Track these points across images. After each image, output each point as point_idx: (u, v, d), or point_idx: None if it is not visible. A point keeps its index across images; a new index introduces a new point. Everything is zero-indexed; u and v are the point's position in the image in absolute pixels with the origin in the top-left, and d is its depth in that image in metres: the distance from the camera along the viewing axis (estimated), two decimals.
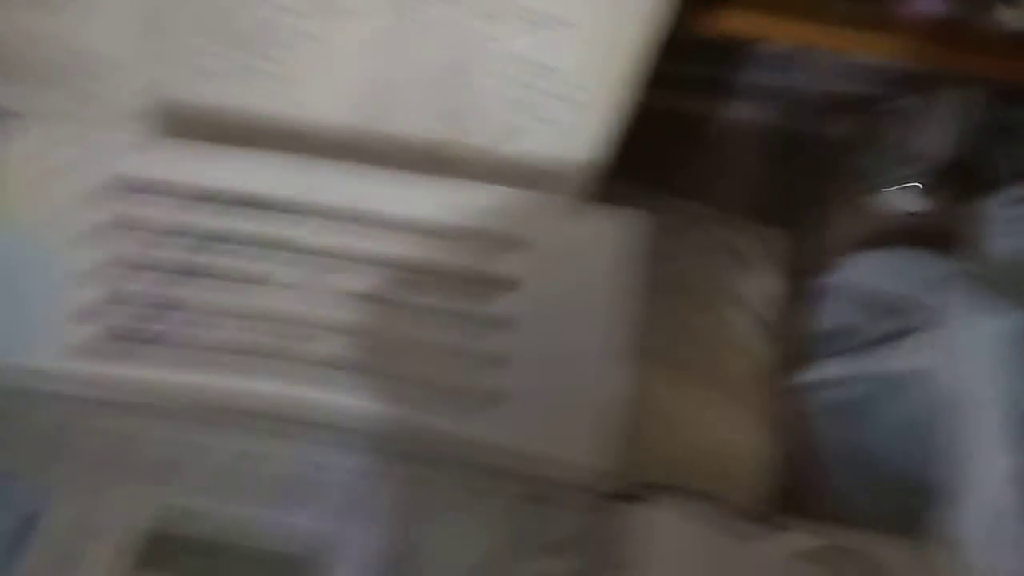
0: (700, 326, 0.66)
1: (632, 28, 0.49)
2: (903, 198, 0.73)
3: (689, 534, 0.46)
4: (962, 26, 0.55)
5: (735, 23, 0.59)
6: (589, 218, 0.45)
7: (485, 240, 0.45)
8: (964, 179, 0.71)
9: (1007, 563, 0.43)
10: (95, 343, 0.48)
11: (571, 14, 0.49)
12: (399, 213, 0.46)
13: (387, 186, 0.46)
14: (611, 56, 0.50)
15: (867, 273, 0.63)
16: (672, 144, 0.79)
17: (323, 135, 0.55)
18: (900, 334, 0.56)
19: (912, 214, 0.73)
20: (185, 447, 0.47)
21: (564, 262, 0.45)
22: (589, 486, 0.47)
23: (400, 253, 0.47)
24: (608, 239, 0.44)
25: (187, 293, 0.48)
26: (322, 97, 0.52)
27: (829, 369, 0.59)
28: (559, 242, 0.44)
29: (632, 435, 0.56)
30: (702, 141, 0.78)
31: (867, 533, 0.52)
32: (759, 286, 0.68)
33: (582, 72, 0.50)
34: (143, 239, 0.49)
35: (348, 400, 0.48)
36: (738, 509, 0.46)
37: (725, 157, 0.78)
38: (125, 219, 0.48)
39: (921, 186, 0.72)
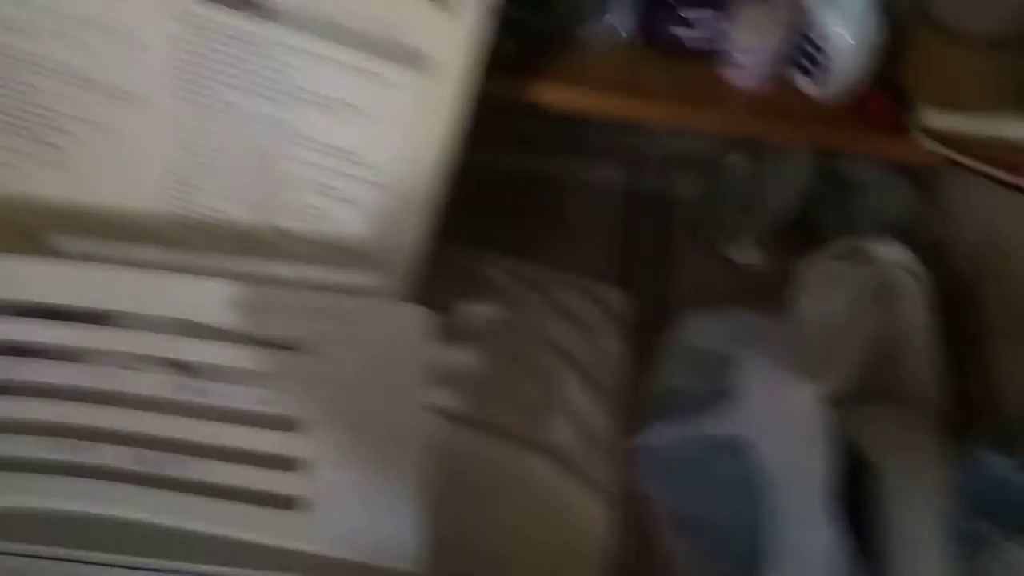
0: (536, 396, 0.65)
1: (430, 112, 0.49)
2: (741, 253, 0.75)
3: None
4: (779, 97, 0.57)
5: (560, 96, 0.60)
6: (369, 315, 0.44)
7: (266, 341, 0.44)
8: (798, 233, 0.74)
9: None
10: None
11: (363, 100, 0.49)
12: (184, 316, 0.44)
13: (172, 289, 0.44)
14: (409, 139, 0.49)
15: (700, 333, 0.63)
16: (514, 206, 0.79)
17: (128, 223, 0.53)
18: (726, 396, 0.56)
19: (749, 268, 0.75)
20: None
21: (346, 363, 0.43)
22: None
23: (187, 357, 0.45)
24: (389, 336, 0.43)
25: None
26: (119, 185, 0.50)
27: (661, 432, 0.59)
28: (340, 342, 0.43)
29: (459, 517, 0.56)
30: (546, 202, 0.79)
31: None
32: (597, 349, 0.69)
33: (380, 155, 0.49)
34: None
35: (146, 509, 0.46)
36: None
37: (568, 218, 0.78)
38: None
39: (758, 241, 0.75)
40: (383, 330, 0.44)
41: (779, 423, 0.48)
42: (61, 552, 0.45)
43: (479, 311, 0.70)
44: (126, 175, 0.51)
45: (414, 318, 0.43)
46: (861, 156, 0.68)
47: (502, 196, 0.76)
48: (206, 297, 0.44)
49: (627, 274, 0.74)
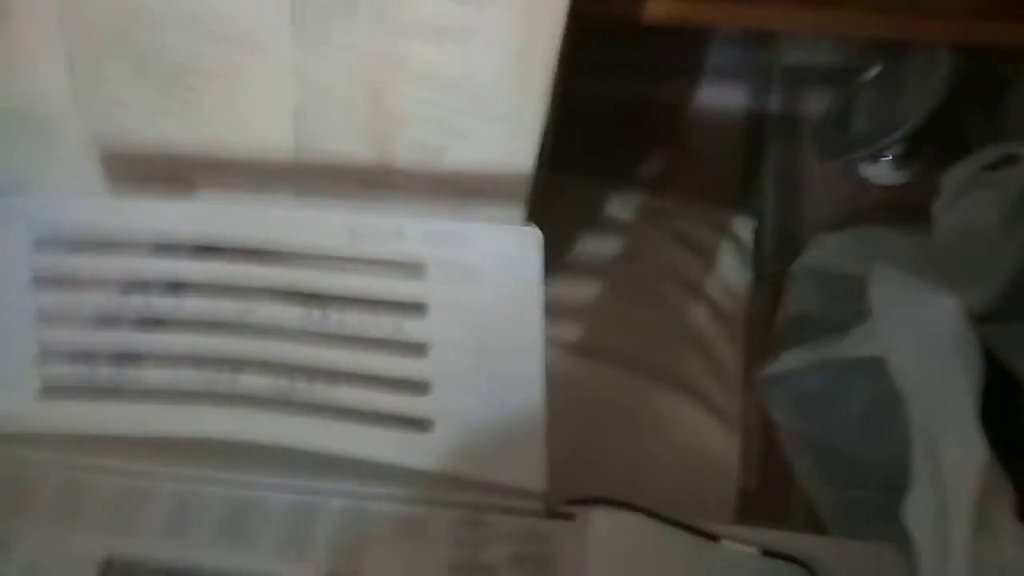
0: (661, 327, 0.64)
1: (535, 32, 0.48)
2: (877, 171, 0.70)
3: (624, 544, 0.45)
4: None
5: (670, 8, 0.57)
6: (486, 239, 0.44)
7: (390, 267, 0.45)
8: (941, 146, 0.68)
9: (956, 569, 0.41)
10: (45, 389, 0.50)
11: (475, 26, 0.48)
12: (310, 244, 0.46)
13: (295, 219, 0.46)
14: (517, 64, 0.49)
15: (831, 256, 0.61)
16: (635, 134, 0.77)
17: (255, 167, 0.55)
18: (858, 320, 0.53)
19: (887, 187, 0.70)
20: (131, 493, 0.49)
21: (466, 285, 0.44)
22: (524, 507, 0.46)
23: (314, 284, 0.47)
24: (505, 259, 0.43)
25: (121, 338, 0.49)
26: (242, 129, 0.52)
27: (790, 361, 0.56)
28: (459, 266, 0.44)
29: (585, 446, 0.56)
30: (665, 129, 0.76)
31: (824, 531, 0.51)
32: (722, 278, 0.66)
33: (489, 83, 0.49)
34: (78, 288, 0.50)
35: (281, 435, 0.49)
36: (673, 519, 0.45)
37: (689, 144, 0.76)
38: (58, 272, 0.50)
39: (895, 158, 0.70)
40: (502, 254, 0.44)
41: (918, 338, 0.45)
42: (216, 475, 0.49)
43: (601, 244, 0.70)
44: (248, 120, 0.53)
45: (533, 241, 0.43)
46: (1011, 51, 0.61)
47: (620, 126, 0.74)
48: (333, 228, 0.45)
49: (754, 200, 0.71)
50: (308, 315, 0.47)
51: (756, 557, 0.44)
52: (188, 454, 0.50)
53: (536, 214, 0.60)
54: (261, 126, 0.53)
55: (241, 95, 0.53)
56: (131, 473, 0.49)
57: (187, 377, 0.49)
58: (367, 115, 0.52)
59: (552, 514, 0.46)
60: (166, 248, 0.48)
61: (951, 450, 0.42)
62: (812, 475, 0.53)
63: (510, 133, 0.51)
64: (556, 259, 0.69)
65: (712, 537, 0.44)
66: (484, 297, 0.44)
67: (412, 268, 0.45)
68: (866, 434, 0.51)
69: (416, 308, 0.45)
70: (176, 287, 0.49)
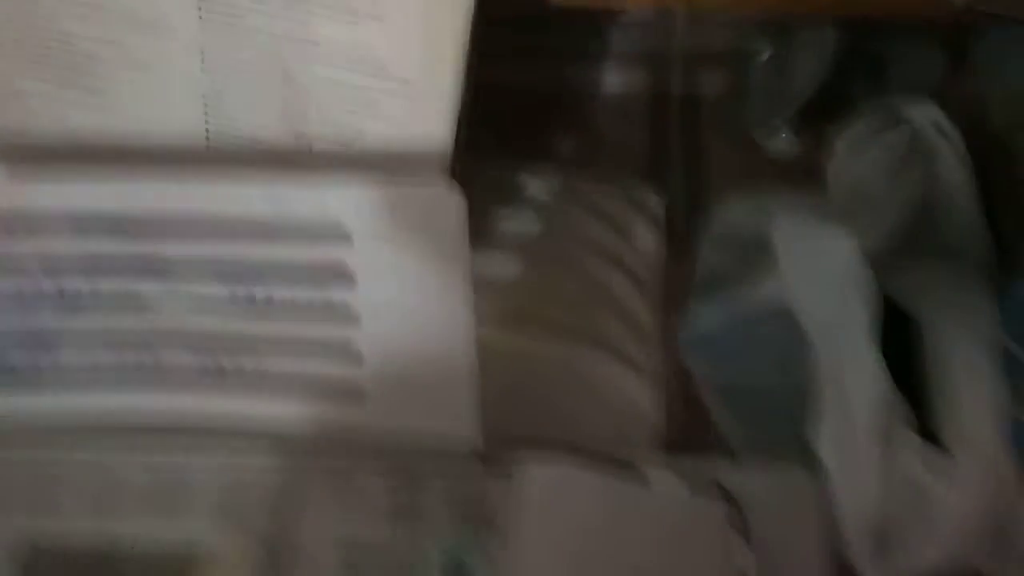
0: (582, 295, 0.66)
1: (450, 14, 0.50)
2: (774, 144, 0.75)
3: (557, 491, 0.46)
4: None
5: None
6: (408, 202, 0.45)
7: (317, 235, 0.46)
8: (831, 115, 0.73)
9: (865, 484, 0.44)
10: None
11: (386, 6, 0.50)
12: (237, 214, 0.47)
13: (213, 190, 0.46)
14: (433, 44, 0.50)
15: (735, 220, 0.64)
16: (548, 118, 0.80)
17: (168, 154, 0.55)
18: (762, 274, 0.57)
19: (784, 158, 0.74)
20: (59, 469, 0.48)
21: (391, 247, 0.45)
22: (458, 457, 0.48)
23: (242, 254, 0.47)
24: (428, 218, 0.45)
25: (35, 322, 0.48)
26: (150, 114, 0.52)
27: (702, 316, 0.59)
28: (385, 230, 0.45)
29: (512, 404, 0.58)
30: (576, 112, 0.79)
31: (741, 466, 0.53)
32: (636, 248, 0.69)
33: (401, 61, 0.50)
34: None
35: (212, 404, 0.49)
36: (607, 459, 0.47)
37: (600, 125, 0.79)
38: None
39: (790, 130, 0.74)
40: (425, 215, 0.45)
41: (817, 275, 0.48)
42: (140, 449, 0.49)
43: (521, 222, 0.72)
44: (158, 106, 0.53)
45: (454, 200, 0.44)
46: (890, 22, 0.66)
47: (534, 110, 0.77)
48: (252, 198, 0.46)
49: (663, 175, 0.74)
50: (232, 290, 0.48)
51: (679, 490, 0.46)
52: (111, 429, 0.49)
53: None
54: (172, 112, 0.53)
55: (150, 82, 0.52)
56: (51, 452, 0.49)
57: (101, 358, 0.49)
58: (280, 97, 0.53)
59: (484, 460, 0.48)
60: (79, 226, 0.48)
61: (853, 377, 0.45)
62: (728, 419, 0.56)
63: (424, 112, 0.53)
64: (478, 238, 0.70)
65: (639, 475, 0.47)
66: (409, 258, 0.45)
67: (333, 233, 0.46)
68: (778, 377, 0.54)
69: (342, 276, 0.46)
70: (90, 266, 0.49)
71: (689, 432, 0.57)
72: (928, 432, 0.47)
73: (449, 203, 0.45)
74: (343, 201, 0.46)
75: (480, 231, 0.73)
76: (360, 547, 0.45)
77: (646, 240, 0.71)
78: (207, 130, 0.53)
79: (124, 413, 0.49)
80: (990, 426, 0.43)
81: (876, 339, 0.47)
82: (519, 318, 0.65)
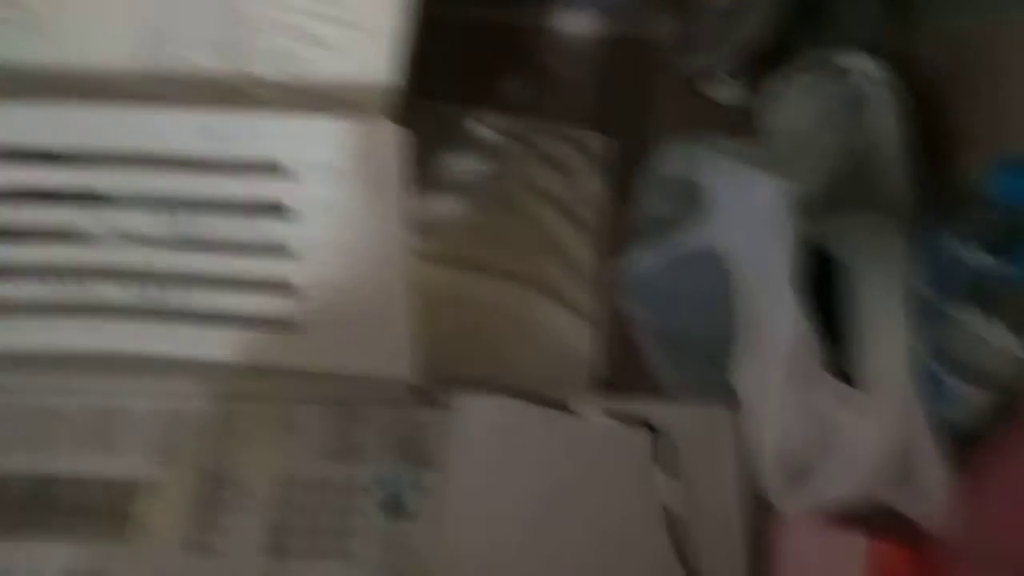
0: (524, 236, 0.67)
1: None
2: (718, 89, 0.75)
3: (490, 424, 0.48)
4: None
5: None
6: (344, 136, 0.45)
7: (254, 169, 0.45)
8: (775, 64, 0.74)
9: (779, 420, 0.46)
10: None
11: None
12: (172, 147, 0.46)
13: (148, 121, 0.46)
14: None
15: (675, 162, 0.65)
16: (495, 59, 0.80)
17: (106, 82, 0.54)
18: (698, 218, 0.58)
19: (728, 102, 0.75)
20: None
21: (327, 184, 0.45)
22: (394, 393, 0.49)
23: (176, 189, 0.47)
24: (364, 154, 0.45)
25: None
26: (90, 42, 0.51)
27: (638, 258, 0.61)
28: (317, 164, 0.45)
29: (453, 343, 0.59)
30: (524, 54, 0.79)
31: (669, 403, 0.55)
32: (580, 191, 0.70)
33: None
34: None
35: (147, 336, 0.49)
36: (540, 395, 0.49)
37: (545, 68, 0.79)
38: None
39: (733, 76, 0.75)
40: (361, 150, 0.45)
41: (745, 220, 0.50)
42: (77, 383, 0.49)
43: (467, 163, 0.72)
44: (97, 35, 0.51)
45: (390, 136, 0.44)
46: None
47: (481, 51, 0.76)
48: (186, 129, 0.45)
49: (607, 119, 0.75)
50: (166, 221, 0.47)
51: (606, 424, 0.48)
52: (46, 364, 0.49)
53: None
54: (113, 44, 0.52)
55: (90, 12, 0.51)
56: None
57: (35, 290, 0.49)
58: (221, 25, 0.52)
59: (420, 400, 0.49)
60: (11, 155, 0.47)
61: (773, 316, 0.47)
62: (662, 359, 0.57)
63: (368, 43, 0.52)
64: (423, 177, 0.70)
65: (566, 409, 0.48)
66: (345, 194, 0.45)
67: (269, 168, 0.46)
68: (707, 319, 0.55)
69: (276, 209, 0.46)
70: (22, 196, 0.48)
71: (624, 372, 0.59)
72: (846, 371, 0.49)
73: (388, 141, 0.45)
74: (280, 136, 0.45)
75: (426, 172, 0.74)
76: (297, 483, 0.46)
77: (590, 183, 0.72)
78: (146, 64, 0.53)
79: (57, 344, 0.49)
80: (900, 366, 0.46)
81: (797, 283, 0.48)
82: (463, 259, 0.66)
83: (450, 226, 0.67)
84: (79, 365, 0.49)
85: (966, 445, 0.46)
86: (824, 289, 0.54)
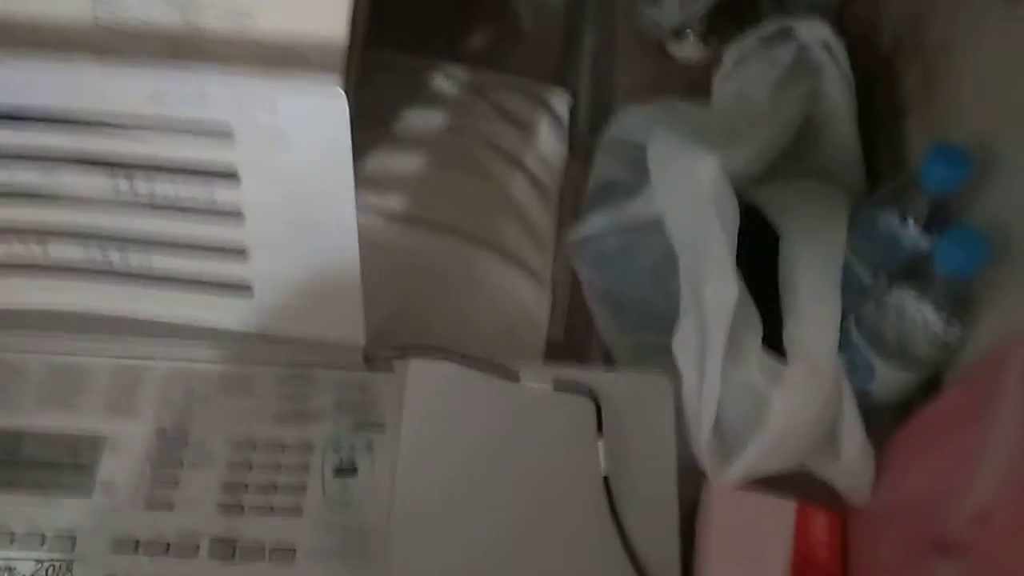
0: (481, 196, 0.68)
1: None
2: (682, 49, 0.75)
3: (436, 388, 0.50)
4: None
5: None
6: (293, 102, 0.45)
7: (204, 133, 0.46)
8: (738, 25, 0.74)
9: (710, 389, 0.48)
10: None
11: None
12: (110, 109, 0.46)
13: (94, 82, 0.45)
14: None
15: (633, 127, 0.65)
16: (458, 12, 0.79)
17: (53, 34, 0.53)
18: (648, 183, 0.59)
19: (690, 62, 0.75)
20: None
21: (275, 149, 0.45)
22: (347, 359, 0.50)
23: (128, 152, 0.47)
24: (313, 121, 0.45)
25: None
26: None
27: (592, 223, 0.62)
28: (266, 129, 0.45)
29: (407, 303, 0.60)
30: (487, 7, 0.78)
31: (609, 369, 0.57)
32: (539, 149, 0.71)
33: None
34: None
35: (101, 296, 0.50)
36: (478, 361, 0.50)
37: (511, 21, 0.78)
38: None
39: (697, 36, 0.75)
40: (309, 116, 0.45)
41: (685, 194, 0.51)
42: (37, 341, 0.50)
43: (425, 117, 0.72)
44: None
45: (339, 103, 0.44)
46: None
47: (441, 2, 0.76)
48: (133, 91, 0.45)
49: (570, 76, 0.75)
50: (115, 184, 0.48)
51: (550, 391, 0.50)
52: (9, 322, 0.50)
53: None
54: None
55: None
56: None
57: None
58: None
59: (372, 365, 0.50)
60: None
61: (710, 290, 0.49)
62: (609, 324, 0.59)
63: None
64: (381, 132, 0.71)
65: (513, 376, 0.50)
66: (294, 160, 0.46)
67: (219, 132, 0.46)
68: (653, 286, 0.57)
69: (227, 174, 0.47)
70: None
71: (577, 335, 0.61)
72: (783, 343, 0.51)
73: (337, 105, 0.45)
74: (230, 100, 0.45)
75: (384, 125, 0.74)
76: (254, 444, 0.48)
77: (549, 140, 0.72)
78: (95, 15, 0.52)
79: (19, 302, 0.50)
80: (824, 337, 0.48)
81: (732, 255, 0.50)
82: (419, 217, 0.67)
83: (410, 183, 0.68)
84: (42, 324, 0.50)
85: (891, 420, 0.49)
86: (769, 258, 0.56)
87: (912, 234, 0.48)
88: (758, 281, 0.54)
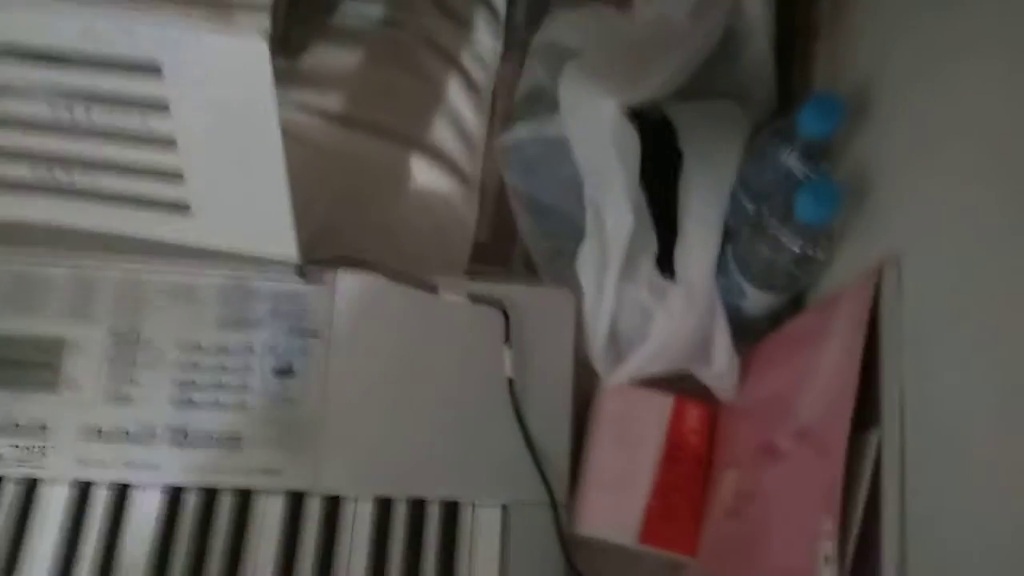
0: (417, 97, 0.70)
1: None
2: None
3: (366, 299, 0.55)
4: None
5: None
6: (216, 48, 0.47)
7: (136, 68, 0.48)
8: None
9: (605, 303, 0.54)
10: None
11: None
12: (43, 44, 0.48)
13: (27, 19, 0.47)
14: None
15: (561, 32, 0.67)
16: None
17: None
18: None
19: None
20: None
21: (202, 83, 0.48)
22: (282, 272, 0.55)
23: (65, 82, 0.49)
24: (234, 66, 0.47)
25: None
26: None
27: (519, 132, 0.65)
28: (192, 66, 0.47)
29: (342, 205, 0.64)
30: None
31: (536, 274, 0.63)
32: (476, 47, 0.72)
33: None
34: None
35: (53, 210, 0.54)
36: (401, 274, 0.56)
37: None
38: None
39: None
40: (231, 62, 0.48)
41: (589, 131, 0.55)
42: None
43: (362, 6, 0.73)
44: None
45: (261, 56, 0.46)
46: None
47: None
48: (64, 28, 0.47)
49: None
50: (55, 111, 0.50)
51: (465, 303, 0.56)
52: None
53: None
54: None
55: None
56: None
57: None
58: None
59: (304, 276, 0.56)
60: None
61: (610, 218, 0.54)
62: (531, 229, 0.64)
63: None
64: (321, 21, 0.72)
65: (432, 288, 0.56)
66: (220, 95, 0.48)
67: (148, 68, 0.48)
68: (572, 196, 0.61)
69: (159, 105, 0.49)
70: None
71: (498, 239, 0.66)
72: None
73: (256, 49, 0.47)
74: (157, 40, 0.47)
75: (325, 14, 0.74)
76: (201, 348, 0.54)
77: (485, 37, 0.73)
78: None
79: None
80: (703, 261, 0.53)
81: (630, 189, 0.54)
82: (355, 118, 0.69)
83: (347, 81, 0.70)
84: (3, 238, 0.55)
85: (765, 329, 0.56)
86: (672, 172, 0.60)
87: (788, 171, 0.52)
88: (668, 196, 0.59)
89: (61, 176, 0.53)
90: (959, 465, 0.37)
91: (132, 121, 0.50)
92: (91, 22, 0.47)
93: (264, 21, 0.51)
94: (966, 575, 0.35)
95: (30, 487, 0.52)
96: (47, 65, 0.49)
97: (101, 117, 0.51)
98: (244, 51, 0.47)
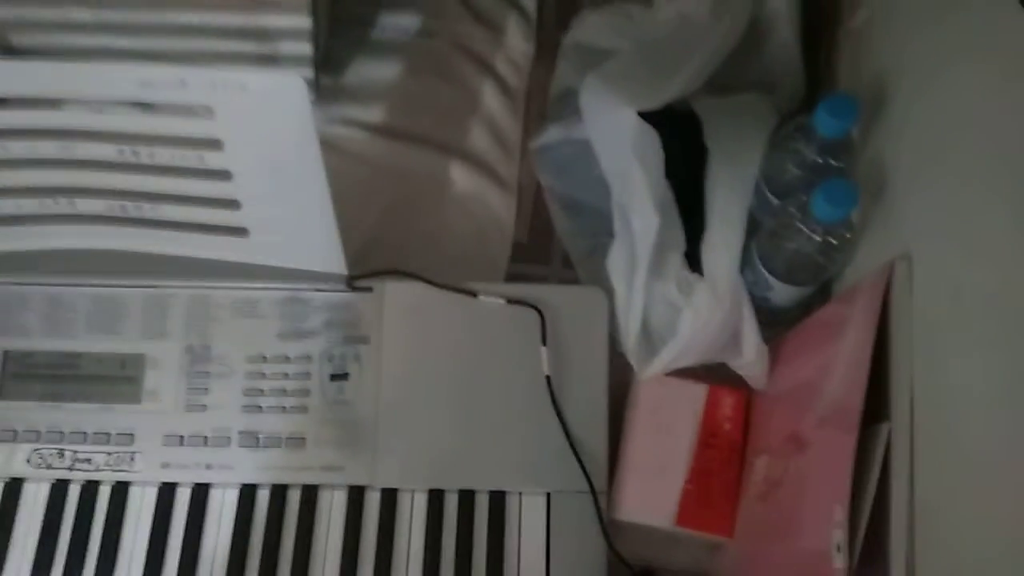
0: (455, 103, 0.73)
1: None
2: None
3: (412, 306, 0.59)
4: None
5: None
6: (258, 87, 0.51)
7: (189, 111, 0.53)
8: None
9: (636, 301, 0.57)
10: None
11: None
12: (107, 94, 0.53)
13: (91, 73, 0.52)
14: None
15: (592, 32, 0.69)
16: None
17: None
18: None
19: None
20: (8, 300, 0.60)
21: (250, 121, 0.52)
22: (333, 285, 0.60)
23: (126, 125, 0.54)
24: (278, 102, 0.51)
25: None
26: None
27: (552, 133, 0.68)
28: (240, 106, 0.52)
29: (385, 216, 0.68)
30: None
31: (574, 271, 0.66)
32: (508, 51, 0.75)
33: None
34: None
35: (127, 243, 0.59)
36: (442, 283, 0.59)
37: None
38: None
39: None
40: (274, 100, 0.52)
41: (611, 138, 0.57)
42: (80, 279, 0.60)
43: (396, 18, 0.76)
44: None
45: (298, 89, 0.50)
46: None
47: None
48: (124, 80, 0.52)
49: None
50: (121, 152, 0.56)
51: (503, 305, 0.59)
52: (51, 264, 0.60)
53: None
54: None
55: None
56: (4, 284, 0.60)
57: (30, 204, 0.58)
58: None
59: (354, 288, 0.60)
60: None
61: (636, 220, 0.56)
62: (567, 228, 0.67)
63: None
64: (358, 35, 0.75)
65: (472, 293, 0.59)
66: (267, 130, 0.53)
67: (201, 111, 0.53)
68: (605, 194, 0.64)
69: (214, 144, 0.54)
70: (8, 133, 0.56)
71: (537, 238, 0.68)
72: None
73: (294, 91, 0.50)
74: (204, 86, 0.52)
75: (361, 28, 0.78)
76: (264, 359, 0.59)
77: (517, 40, 0.76)
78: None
79: (57, 244, 0.60)
80: (727, 257, 0.55)
81: (654, 191, 0.56)
82: (396, 129, 0.73)
83: (386, 93, 0.74)
84: (81, 265, 0.60)
85: (794, 318, 0.57)
86: (699, 168, 0.61)
87: (808, 167, 0.53)
88: (696, 191, 0.61)
89: (131, 209, 0.59)
90: (967, 458, 0.38)
91: (190, 158, 0.55)
92: (150, 73, 0.52)
93: (303, 64, 0.55)
94: (973, 566, 0.37)
95: (122, 489, 0.58)
96: (112, 111, 0.54)
97: (163, 156, 0.55)
98: (285, 90, 0.51)
